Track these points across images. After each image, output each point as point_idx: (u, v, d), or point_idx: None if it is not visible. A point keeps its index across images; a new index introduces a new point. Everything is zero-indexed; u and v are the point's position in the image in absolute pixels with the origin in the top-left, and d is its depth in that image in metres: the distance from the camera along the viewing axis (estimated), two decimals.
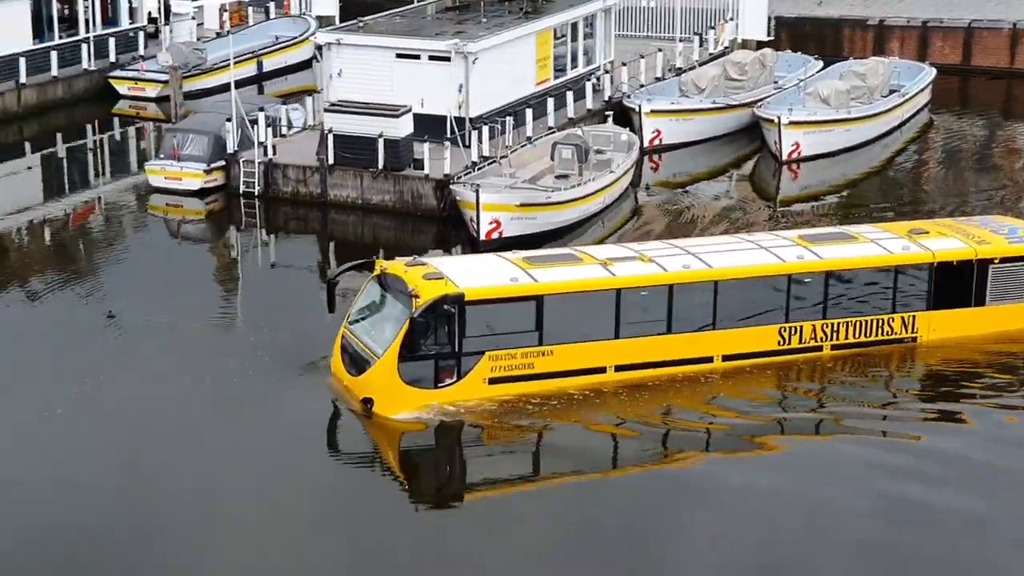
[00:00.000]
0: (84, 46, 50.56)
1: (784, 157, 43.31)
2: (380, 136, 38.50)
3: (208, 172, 40.07)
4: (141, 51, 52.38)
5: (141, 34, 53.19)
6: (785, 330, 29.42)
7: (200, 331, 30.65)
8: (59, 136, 47.77)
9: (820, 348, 29.85)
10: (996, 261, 30.54)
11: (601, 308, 28.24)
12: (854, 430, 26.82)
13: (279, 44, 53.54)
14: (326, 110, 40.11)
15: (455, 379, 27.32)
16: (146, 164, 41.78)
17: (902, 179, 43.95)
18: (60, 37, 49.94)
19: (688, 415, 27.53)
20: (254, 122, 40.68)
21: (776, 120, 43.21)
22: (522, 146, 40.36)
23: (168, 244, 38.94)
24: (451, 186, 37.31)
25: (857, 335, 30.05)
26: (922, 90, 48.86)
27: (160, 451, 25.35)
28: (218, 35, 53.00)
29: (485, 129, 40.26)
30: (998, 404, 28.33)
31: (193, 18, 54.05)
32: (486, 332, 27.55)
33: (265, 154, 40.14)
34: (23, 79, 48.04)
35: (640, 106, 44.70)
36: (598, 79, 47.10)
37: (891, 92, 47.18)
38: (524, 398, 27.55)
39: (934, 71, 50.15)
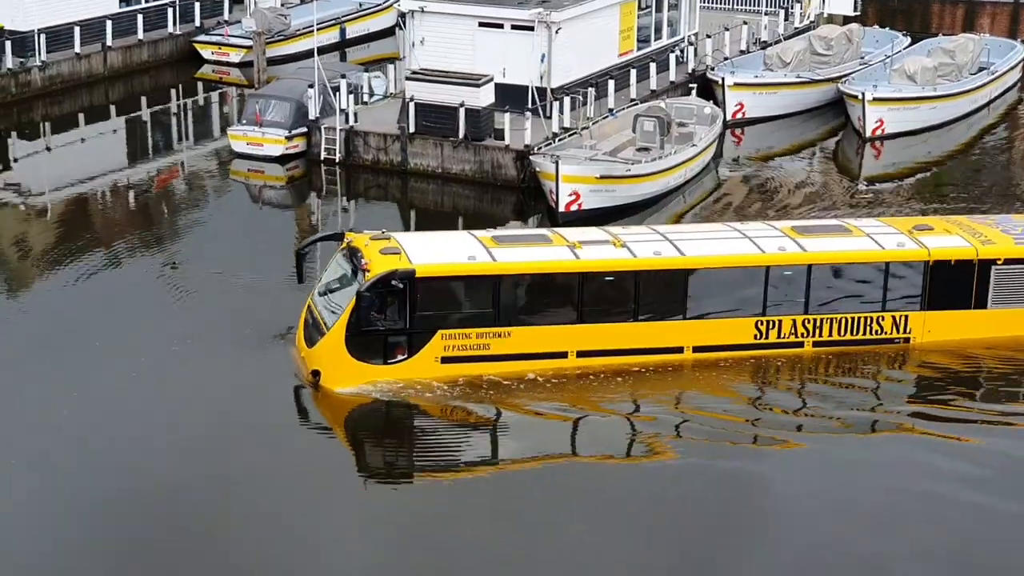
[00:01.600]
0: (169, 10, 50.77)
1: (868, 134, 42.71)
2: (461, 105, 38.37)
3: (290, 138, 40.10)
4: (226, 16, 52.67)
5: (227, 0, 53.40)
6: (762, 323, 28.38)
7: (271, 292, 30.55)
8: (143, 100, 48.04)
9: (801, 344, 28.60)
10: (1000, 262, 28.94)
11: (564, 291, 27.72)
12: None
13: (362, 11, 53.51)
14: (408, 78, 40.01)
15: (406, 356, 26.87)
16: (228, 129, 41.89)
17: (987, 161, 43.07)
18: (146, 1, 50.07)
19: (654, 408, 26.53)
20: (336, 89, 40.65)
21: (860, 96, 42.63)
22: (604, 118, 40.06)
23: (249, 209, 39.06)
24: (531, 157, 37.07)
25: (842, 333, 28.74)
26: (1013, 68, 48.00)
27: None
28: (302, 1, 52.96)
29: (567, 100, 39.94)
30: (985, 411, 27.24)
31: None
32: (439, 310, 27.00)
33: (346, 121, 40.12)
34: (109, 42, 48.29)
35: (724, 79, 44.24)
36: (682, 51, 46.60)
37: (980, 70, 46.57)
38: (478, 380, 26.86)
39: None
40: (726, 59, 46.75)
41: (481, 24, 40.67)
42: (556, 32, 40.19)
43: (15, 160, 42.91)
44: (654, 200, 37.36)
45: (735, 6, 52.64)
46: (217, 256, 33.05)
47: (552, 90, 40.12)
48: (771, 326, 28.25)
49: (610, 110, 40.60)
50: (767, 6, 51.87)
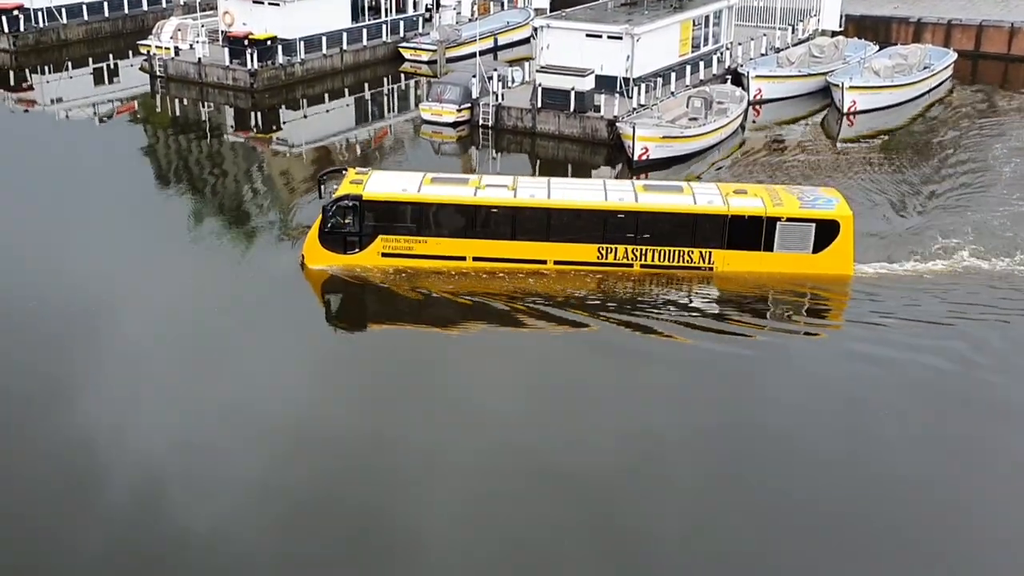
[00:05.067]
0: (384, 26, 50.58)
1: (845, 110, 41.37)
2: (572, 89, 37.91)
3: (459, 111, 39.92)
4: (420, 30, 52.30)
5: (420, 19, 52.93)
6: (603, 248, 26.89)
7: None
8: (366, 85, 48.07)
9: (631, 265, 27.04)
10: (783, 220, 26.63)
11: (464, 216, 26.92)
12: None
13: (509, 26, 52.82)
14: (537, 71, 39.61)
15: (358, 250, 26.95)
16: (420, 104, 41.75)
17: (926, 128, 41.61)
18: (368, 19, 49.99)
19: (529, 300, 25.70)
20: (490, 78, 40.37)
21: (840, 85, 41.30)
22: (667, 98, 39.34)
23: (432, 157, 39.02)
24: (617, 124, 36.61)
25: (662, 260, 26.94)
26: (945, 67, 46.14)
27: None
28: (470, 20, 52.54)
29: (643, 86, 39.25)
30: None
31: (455, 9, 53.63)
32: (380, 222, 26.80)
33: (496, 100, 39.79)
34: (344, 47, 48.34)
35: (748, 72, 43.16)
36: (721, 53, 45.43)
37: (924, 68, 44.68)
38: (406, 269, 26.86)
39: (955, 55, 47.29)
40: (751, 59, 45.53)
41: (587, 35, 40.01)
42: (637, 40, 39.44)
43: (284, 123, 43.41)
44: (700, 153, 36.72)
45: (758, 23, 51.02)
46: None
47: (633, 79, 39.40)
48: (609, 251, 26.92)
49: (671, 92, 39.86)
50: (780, 23, 50.23)
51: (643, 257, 26.91)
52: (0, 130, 41.68)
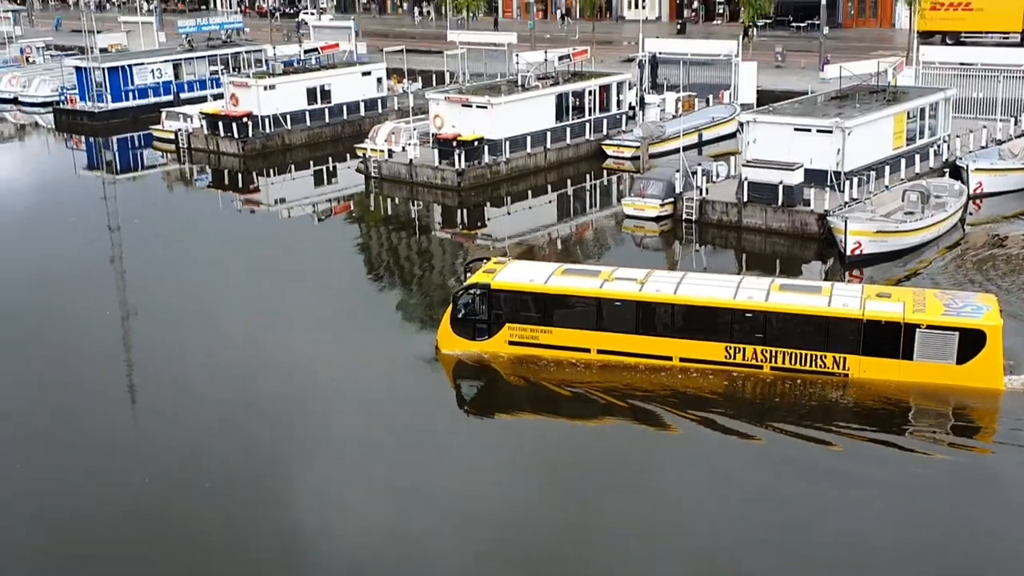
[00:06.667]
0: (587, 124, 51.08)
1: None
2: (780, 183, 36.96)
3: (662, 205, 39.58)
4: (623, 127, 52.52)
5: (624, 116, 53.24)
6: (731, 348, 25.71)
7: None
8: (568, 181, 48.43)
9: (760, 367, 25.56)
10: (923, 327, 24.57)
11: (589, 309, 26.58)
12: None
13: (714, 122, 52.35)
14: (744, 165, 38.85)
15: (487, 337, 26.87)
16: (622, 199, 41.68)
17: None
18: (572, 119, 50.64)
19: (648, 401, 24.87)
20: (695, 173, 39.87)
21: None
22: (881, 191, 37.75)
23: (634, 251, 38.73)
24: (828, 218, 35.34)
25: (792, 363, 25.35)
26: None
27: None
28: (674, 116, 52.43)
29: (855, 179, 37.85)
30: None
31: (659, 106, 53.69)
32: (507, 310, 26.95)
33: (700, 194, 39.25)
34: (548, 145, 49.04)
35: (968, 164, 41.02)
36: (938, 146, 43.47)
37: None
38: (532, 358, 26.82)
39: None
40: (970, 152, 43.35)
41: (795, 129, 39.07)
42: (848, 134, 38.21)
43: (489, 219, 44.14)
44: (915, 248, 34.91)
45: (977, 115, 48.70)
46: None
47: (844, 172, 38.07)
48: (737, 351, 25.72)
49: (885, 186, 38.19)
50: (1001, 114, 47.76)
51: (773, 359, 25.58)
52: (228, 228, 44.15)
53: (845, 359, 25.09)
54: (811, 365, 25.32)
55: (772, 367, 25.59)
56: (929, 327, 24.53)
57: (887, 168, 39.62)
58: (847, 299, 25.60)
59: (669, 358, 26.13)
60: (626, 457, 22.96)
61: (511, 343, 27.04)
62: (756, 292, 26.13)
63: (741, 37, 60.47)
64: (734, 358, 25.75)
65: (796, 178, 37.04)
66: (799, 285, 27.29)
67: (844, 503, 20.77)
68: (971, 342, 24.38)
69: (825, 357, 25.18)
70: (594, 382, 25.84)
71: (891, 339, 24.69)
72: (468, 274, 29.22)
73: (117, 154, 59.77)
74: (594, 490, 21.67)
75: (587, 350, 26.58)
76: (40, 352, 29.34)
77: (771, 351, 25.51)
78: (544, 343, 26.84)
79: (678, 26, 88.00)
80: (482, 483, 22.02)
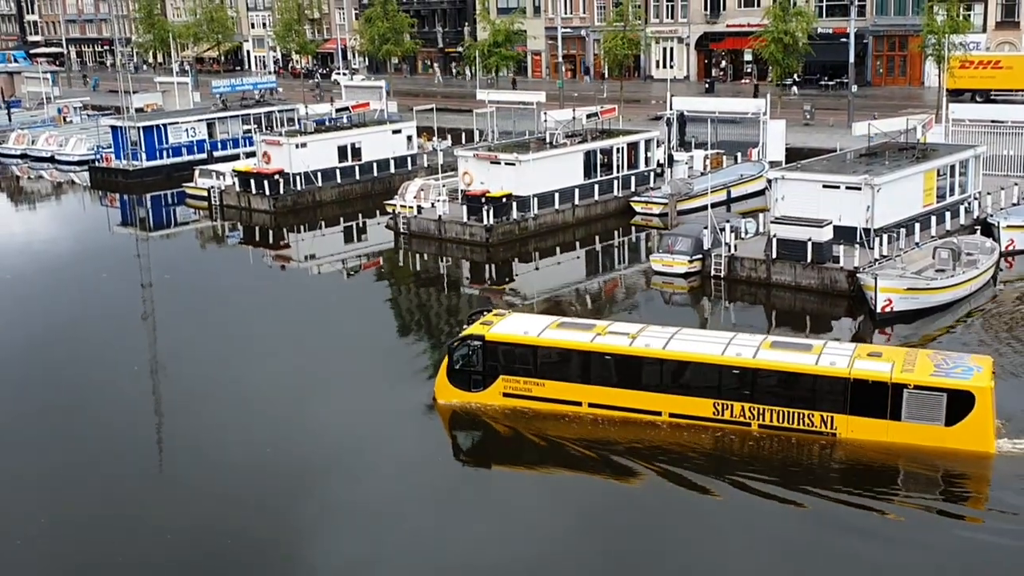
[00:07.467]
0: (615, 181, 51.28)
1: None
2: (809, 240, 36.75)
3: (691, 262, 39.48)
4: (651, 184, 52.66)
5: (652, 174, 53.42)
6: (719, 404, 25.29)
7: None
8: (597, 238, 48.50)
9: (748, 424, 25.11)
10: (911, 387, 23.93)
11: (580, 362, 26.43)
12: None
13: (742, 179, 52.40)
14: (772, 222, 38.70)
15: (482, 388, 26.79)
16: (651, 256, 41.57)
17: None
18: (600, 175, 50.82)
19: (630, 449, 24.81)
20: (723, 230, 39.79)
21: None
22: (912, 249, 37.47)
23: (663, 308, 38.56)
24: (858, 275, 35.03)
25: (780, 421, 24.87)
26: None
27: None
28: (702, 174, 52.47)
29: (884, 236, 37.59)
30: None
31: (687, 163, 53.82)
32: (502, 362, 26.93)
33: (729, 251, 39.10)
34: (576, 201, 49.22)
35: (999, 222, 40.70)
36: (969, 203, 43.17)
37: None
38: (525, 410, 26.71)
39: None
40: (1002, 209, 43.03)
41: (824, 186, 38.96)
42: (877, 191, 38.06)
43: (517, 275, 44.15)
44: (947, 305, 34.51)
45: (1009, 172, 48.40)
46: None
47: (874, 229, 37.84)
48: (725, 407, 25.29)
49: (916, 243, 37.94)
50: None
51: (760, 417, 25.12)
52: (259, 285, 44.39)
53: (832, 418, 24.59)
54: (798, 423, 24.91)
55: (760, 425, 25.18)
56: (917, 387, 23.93)
57: (917, 225, 39.36)
58: (835, 358, 25.14)
59: (659, 413, 25.89)
60: (604, 512, 22.98)
61: (505, 395, 26.97)
62: (745, 349, 25.82)
63: (769, 96, 60.59)
64: (722, 415, 25.41)
65: (825, 235, 36.84)
66: (790, 343, 26.88)
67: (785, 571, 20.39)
68: (960, 403, 23.72)
69: (812, 415, 24.75)
70: (584, 437, 25.68)
71: (879, 399, 24.17)
72: (471, 320, 29.34)
73: (151, 211, 60.52)
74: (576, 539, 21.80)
75: (579, 403, 26.48)
76: (64, 403, 29.45)
77: (759, 408, 25.15)
78: (537, 395, 26.79)
79: (706, 85, 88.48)
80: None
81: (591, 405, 26.37)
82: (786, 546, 21.21)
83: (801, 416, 24.89)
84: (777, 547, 21.15)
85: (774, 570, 20.41)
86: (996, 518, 22.13)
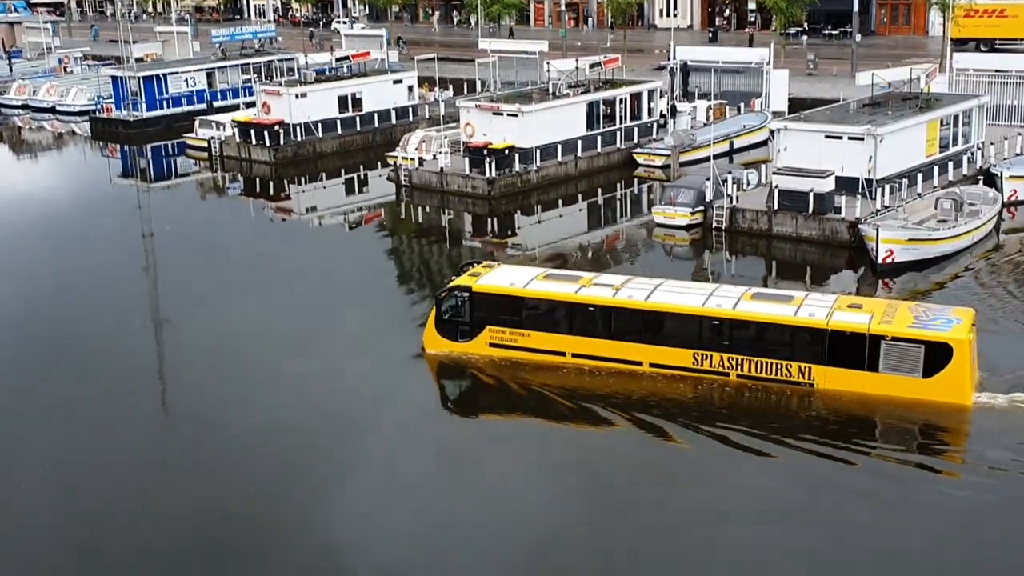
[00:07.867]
0: (618, 132, 51.00)
1: None
2: (811, 191, 36.65)
3: (693, 214, 39.39)
4: (654, 136, 52.38)
5: (655, 125, 53.10)
6: (698, 355, 25.53)
7: None
8: (599, 190, 48.34)
9: (727, 374, 25.36)
10: (888, 339, 23.96)
11: (564, 313, 26.77)
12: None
13: (745, 130, 52.07)
14: (774, 173, 38.58)
15: (468, 339, 27.29)
16: (653, 208, 41.54)
17: None
18: (603, 127, 50.55)
19: (616, 400, 25.14)
20: (725, 181, 39.65)
21: None
22: (913, 199, 37.35)
23: (664, 260, 38.56)
24: (859, 226, 34.97)
25: (758, 371, 25.08)
26: None
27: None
28: (704, 125, 52.20)
29: (887, 187, 37.48)
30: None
31: (690, 114, 53.50)
32: (488, 313, 27.24)
33: (731, 202, 39.01)
34: (579, 153, 48.98)
35: (1002, 172, 40.52)
36: (972, 153, 42.97)
37: None
38: (510, 359, 27.08)
39: None
40: (1004, 159, 42.81)
41: (826, 136, 38.77)
42: (880, 141, 37.87)
43: (519, 228, 44.08)
44: (949, 256, 34.49)
45: (1012, 122, 48.10)
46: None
47: (876, 180, 37.71)
48: (705, 358, 25.53)
49: (918, 194, 37.88)
50: None
51: (739, 367, 25.30)
52: (259, 237, 44.37)
53: (810, 369, 24.71)
54: (776, 374, 25.08)
55: (738, 375, 25.38)
56: (894, 339, 23.97)
57: (920, 175, 39.22)
58: (815, 309, 25.21)
59: (639, 363, 26.10)
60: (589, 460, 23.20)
61: (491, 345, 27.28)
62: (725, 300, 26.00)
63: (772, 45, 59.99)
64: (701, 365, 25.63)
65: (827, 186, 36.73)
66: (772, 294, 26.91)
67: (749, 517, 20.58)
68: (937, 355, 23.75)
69: (791, 366, 24.90)
70: (568, 386, 25.93)
71: (856, 350, 24.24)
72: (459, 272, 29.50)
73: (151, 162, 60.36)
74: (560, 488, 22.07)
75: (563, 354, 26.74)
76: (66, 361, 29.48)
77: (737, 359, 25.33)
78: (522, 346, 27.05)
79: (710, 34, 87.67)
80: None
81: (575, 355, 26.63)
82: (760, 497, 21.32)
83: (779, 367, 25.07)
84: (751, 498, 21.25)
85: (749, 521, 20.49)
86: (973, 472, 22.15)
